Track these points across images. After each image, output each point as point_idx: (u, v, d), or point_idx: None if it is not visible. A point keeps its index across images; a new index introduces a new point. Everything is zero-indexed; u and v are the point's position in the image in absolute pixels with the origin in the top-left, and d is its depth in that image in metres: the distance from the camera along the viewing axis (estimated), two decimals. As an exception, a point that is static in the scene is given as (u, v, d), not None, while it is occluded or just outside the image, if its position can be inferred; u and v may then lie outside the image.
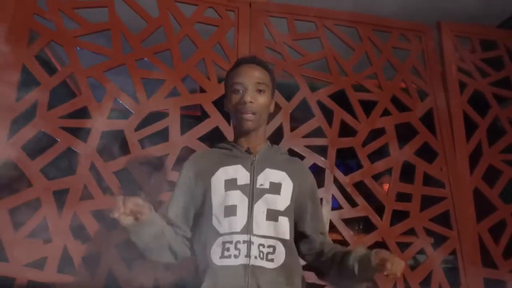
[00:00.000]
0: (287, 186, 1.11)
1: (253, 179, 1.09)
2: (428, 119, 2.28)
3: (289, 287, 1.03)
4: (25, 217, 1.70)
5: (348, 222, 1.99)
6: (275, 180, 1.10)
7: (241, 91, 1.13)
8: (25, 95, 1.83)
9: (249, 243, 1.00)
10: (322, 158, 2.04)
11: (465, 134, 2.26)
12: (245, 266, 0.99)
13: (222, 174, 1.10)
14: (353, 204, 2.00)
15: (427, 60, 2.39)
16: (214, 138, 1.95)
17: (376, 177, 2.09)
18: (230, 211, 1.04)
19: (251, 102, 1.10)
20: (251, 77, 1.13)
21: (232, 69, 1.21)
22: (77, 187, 1.75)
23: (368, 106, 2.23)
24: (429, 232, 2.05)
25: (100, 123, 1.86)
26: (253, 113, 1.12)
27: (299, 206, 1.16)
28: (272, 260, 1.02)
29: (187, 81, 2.10)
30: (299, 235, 1.18)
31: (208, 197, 1.09)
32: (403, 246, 2.00)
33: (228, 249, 1.00)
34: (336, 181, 2.02)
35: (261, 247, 1.01)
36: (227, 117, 1.99)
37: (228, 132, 1.97)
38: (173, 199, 1.16)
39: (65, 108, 1.86)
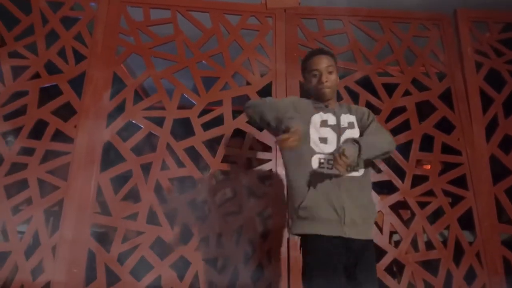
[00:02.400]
0: (355, 122, 1.63)
1: (338, 121, 1.59)
2: (447, 97, 2.58)
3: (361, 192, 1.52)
4: (122, 184, 2.28)
5: (374, 185, 2.36)
6: (350, 120, 1.62)
7: (317, 75, 1.63)
8: (116, 95, 2.44)
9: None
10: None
11: (483, 108, 2.53)
12: (337, 175, 1.47)
13: (318, 116, 1.60)
14: (377, 170, 2.38)
15: (445, 45, 2.70)
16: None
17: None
18: (323, 140, 1.55)
19: (326, 81, 1.61)
20: (322, 63, 1.63)
21: (307, 60, 1.69)
22: (157, 161, 2.31)
23: (392, 90, 2.58)
24: (447, 193, 2.37)
25: (172, 112, 2.41)
26: (329, 88, 1.62)
27: (360, 126, 1.64)
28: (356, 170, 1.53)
29: (236, 77, 2.60)
30: None
31: (307, 129, 1.56)
32: (423, 205, 2.34)
33: (322, 163, 1.51)
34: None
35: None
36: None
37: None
38: (277, 103, 1.67)
39: (146, 103, 2.44)
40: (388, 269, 2.27)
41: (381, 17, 2.72)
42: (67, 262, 2.09)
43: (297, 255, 2.17)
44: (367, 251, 1.50)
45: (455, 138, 2.47)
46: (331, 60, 1.66)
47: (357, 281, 1.45)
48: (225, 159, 2.38)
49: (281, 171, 2.31)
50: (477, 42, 2.70)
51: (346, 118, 1.62)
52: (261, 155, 2.41)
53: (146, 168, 2.31)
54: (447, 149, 2.47)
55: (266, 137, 2.40)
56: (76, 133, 2.32)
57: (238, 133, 2.49)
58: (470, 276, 2.20)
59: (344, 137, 1.56)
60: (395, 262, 2.31)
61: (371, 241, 1.57)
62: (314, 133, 1.56)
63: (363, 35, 2.70)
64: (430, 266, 2.33)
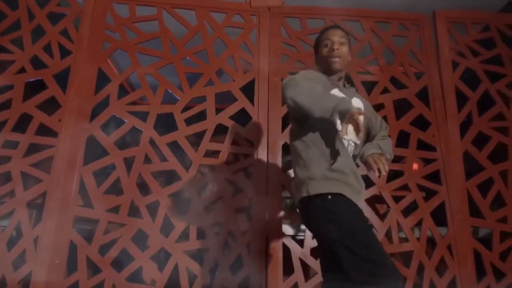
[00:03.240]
0: (363, 107, 1.57)
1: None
2: (424, 96, 2.66)
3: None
4: (104, 177, 2.33)
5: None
6: (359, 105, 1.54)
7: (329, 45, 1.62)
8: (101, 90, 2.48)
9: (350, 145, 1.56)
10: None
11: (458, 106, 2.62)
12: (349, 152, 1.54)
13: (337, 91, 1.54)
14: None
15: (423, 44, 2.78)
16: (241, 118, 2.53)
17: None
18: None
19: (337, 49, 1.59)
20: (335, 35, 1.62)
21: (321, 34, 1.69)
22: (140, 155, 2.36)
23: (371, 88, 2.65)
24: (421, 188, 2.45)
25: (155, 107, 2.46)
26: (339, 57, 1.60)
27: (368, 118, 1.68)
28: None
29: (220, 73, 2.65)
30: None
31: None
32: (398, 199, 2.42)
33: (345, 143, 1.53)
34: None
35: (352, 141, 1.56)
36: (251, 100, 2.53)
37: (252, 111, 2.50)
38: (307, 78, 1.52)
39: (130, 97, 2.49)
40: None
41: (362, 17, 2.80)
42: (49, 253, 2.13)
43: (276, 247, 2.24)
44: None
45: (431, 135, 2.55)
46: (344, 35, 1.65)
47: None
48: (208, 154, 2.44)
49: (261, 165, 2.38)
50: (454, 42, 2.79)
51: (356, 102, 1.55)
52: (243, 150, 2.46)
53: (129, 163, 2.36)
54: (423, 145, 2.55)
55: (248, 132, 2.46)
56: (61, 127, 2.36)
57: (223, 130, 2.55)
58: (441, 268, 2.28)
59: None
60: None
61: None
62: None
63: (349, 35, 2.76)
64: (408, 258, 2.42)
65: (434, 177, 2.48)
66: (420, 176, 2.46)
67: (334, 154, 1.49)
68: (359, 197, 1.50)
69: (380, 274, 1.25)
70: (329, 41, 1.61)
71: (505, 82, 2.71)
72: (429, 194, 2.45)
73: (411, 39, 2.80)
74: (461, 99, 2.65)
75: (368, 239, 1.36)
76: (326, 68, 1.64)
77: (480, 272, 2.31)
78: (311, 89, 1.43)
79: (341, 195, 1.43)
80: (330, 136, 1.51)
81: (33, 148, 2.34)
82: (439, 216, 2.43)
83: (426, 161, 2.55)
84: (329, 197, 1.43)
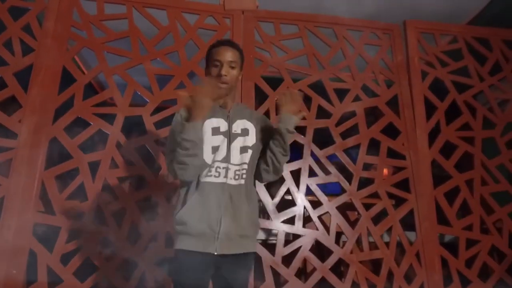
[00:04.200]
0: (252, 130, 1.53)
1: (230, 127, 1.49)
2: (394, 104, 2.70)
3: (248, 200, 1.48)
4: (67, 182, 2.22)
5: (321, 187, 2.44)
6: (244, 127, 1.52)
7: (218, 66, 1.49)
8: (65, 90, 2.36)
9: (227, 169, 1.45)
10: (302, 136, 2.49)
11: (427, 115, 2.67)
12: (223, 184, 1.44)
13: (209, 123, 1.47)
14: (326, 172, 2.45)
15: (394, 53, 2.82)
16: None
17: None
18: (215, 149, 1.44)
19: (225, 75, 1.48)
20: (226, 56, 1.50)
21: (213, 47, 1.55)
22: (106, 159, 2.26)
23: (343, 94, 2.67)
24: (391, 196, 2.48)
25: (123, 110, 2.37)
26: (226, 83, 1.49)
27: (262, 136, 1.55)
28: (243, 179, 1.47)
29: (192, 76, 2.59)
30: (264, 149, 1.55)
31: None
32: (368, 206, 2.43)
33: (210, 171, 1.44)
34: (313, 154, 2.47)
35: (236, 172, 1.46)
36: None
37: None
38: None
39: (96, 99, 2.38)
40: (336, 269, 2.35)
41: (335, 24, 2.81)
42: (5, 263, 2.00)
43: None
44: (236, 271, 1.43)
45: (400, 143, 2.58)
46: (237, 55, 1.53)
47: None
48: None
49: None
50: (424, 52, 2.85)
51: (241, 124, 1.52)
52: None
53: (93, 166, 2.26)
54: (393, 153, 2.58)
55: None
56: (21, 128, 2.22)
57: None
58: (410, 275, 2.32)
59: (234, 144, 1.47)
60: (343, 262, 2.39)
61: (248, 256, 1.47)
62: (207, 143, 1.44)
63: (318, 40, 2.77)
64: (377, 265, 2.44)
65: (403, 185, 2.52)
66: (389, 184, 2.49)
67: (182, 200, 1.46)
68: (212, 243, 1.38)
69: None
70: (219, 62, 1.50)
71: (472, 92, 2.79)
72: (399, 201, 2.48)
73: (382, 48, 2.84)
74: (429, 108, 2.70)
75: None
76: None
77: (447, 279, 2.35)
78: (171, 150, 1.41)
79: (181, 250, 1.41)
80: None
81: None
82: (408, 221, 2.47)
83: (396, 169, 2.58)
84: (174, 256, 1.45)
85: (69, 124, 2.32)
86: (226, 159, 1.46)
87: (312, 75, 2.66)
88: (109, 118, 2.35)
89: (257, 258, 2.23)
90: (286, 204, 2.37)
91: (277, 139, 1.47)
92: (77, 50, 2.49)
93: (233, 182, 1.45)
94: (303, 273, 2.55)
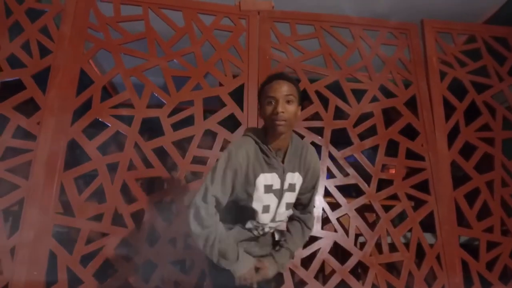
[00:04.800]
0: (299, 183, 1.47)
1: (282, 184, 1.42)
2: (412, 104, 2.67)
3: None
4: (87, 184, 2.22)
5: (341, 189, 2.41)
6: (293, 181, 1.45)
7: (273, 103, 1.36)
8: (82, 92, 2.37)
9: (268, 227, 1.50)
10: (319, 137, 2.47)
11: (446, 116, 2.63)
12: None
13: (263, 179, 1.39)
14: (345, 174, 2.43)
15: (411, 53, 2.79)
16: (230, 124, 2.46)
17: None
18: (266, 209, 1.42)
19: (282, 112, 1.34)
20: (281, 91, 1.35)
21: (265, 84, 1.41)
22: (125, 161, 2.26)
23: (360, 96, 2.64)
24: (410, 197, 2.45)
25: (141, 111, 2.37)
26: (284, 120, 1.35)
27: (303, 189, 1.52)
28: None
29: (208, 77, 2.58)
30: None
31: (251, 191, 1.39)
32: (388, 208, 2.41)
33: (255, 228, 1.49)
34: (331, 155, 2.45)
35: (274, 226, 1.51)
36: (240, 105, 2.47)
37: (241, 117, 2.44)
38: (223, 179, 1.36)
39: (115, 100, 2.38)
40: (353, 271, 2.33)
41: (351, 24, 2.78)
42: (26, 264, 2.01)
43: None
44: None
45: (419, 144, 2.55)
46: (292, 88, 1.38)
47: None
48: (194, 160, 2.36)
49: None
50: (442, 52, 2.81)
51: (290, 178, 1.45)
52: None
53: (113, 168, 2.26)
54: (411, 154, 2.55)
55: (236, 137, 2.40)
56: (39, 130, 2.23)
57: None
58: (430, 277, 2.28)
59: (283, 201, 1.45)
60: (360, 264, 2.37)
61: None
62: (257, 201, 1.41)
63: (334, 40, 2.75)
64: (395, 268, 2.41)
65: (422, 186, 2.49)
66: (408, 186, 2.46)
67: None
68: None
69: None
70: (273, 99, 1.35)
71: (491, 93, 2.75)
72: (418, 203, 2.45)
73: (399, 47, 2.81)
74: (448, 109, 2.66)
75: None
76: (269, 128, 1.41)
77: (467, 282, 2.32)
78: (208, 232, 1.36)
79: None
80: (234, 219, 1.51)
81: (9, 152, 2.20)
82: (425, 223, 2.44)
83: (414, 170, 2.55)
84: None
85: (88, 126, 2.32)
86: (272, 219, 1.48)
87: (328, 76, 2.64)
88: (126, 120, 2.35)
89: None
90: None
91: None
92: (94, 52, 2.49)
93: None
94: (321, 275, 2.53)
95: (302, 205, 1.58)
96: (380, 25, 2.83)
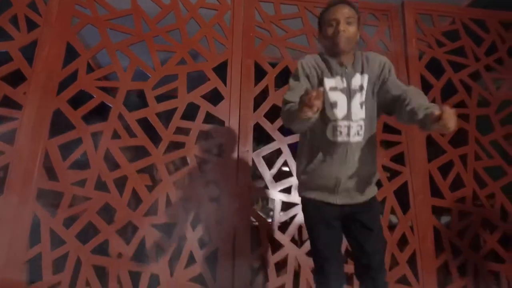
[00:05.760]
0: (366, 81, 1.52)
1: (348, 83, 1.51)
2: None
3: (366, 155, 1.53)
4: (71, 151, 2.29)
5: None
6: (360, 82, 1.51)
7: (334, 25, 1.48)
8: (69, 64, 2.44)
9: (349, 127, 1.49)
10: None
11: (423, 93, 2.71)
12: (346, 143, 1.49)
13: (327, 82, 1.51)
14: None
15: (392, 34, 2.87)
16: (213, 97, 2.54)
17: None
18: (335, 105, 1.49)
19: (343, 31, 1.47)
20: (342, 13, 1.48)
21: (326, 10, 1.54)
22: (109, 131, 2.33)
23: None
24: (386, 168, 2.53)
25: (126, 84, 2.44)
26: (345, 38, 1.48)
27: (380, 86, 1.54)
28: (360, 135, 1.50)
29: (193, 53, 2.65)
30: (392, 101, 1.52)
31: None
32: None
33: (335, 130, 1.49)
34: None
35: (355, 124, 1.49)
36: (223, 80, 2.55)
37: (224, 91, 2.52)
38: (296, 86, 1.52)
39: (100, 73, 2.45)
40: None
41: (334, 4, 2.85)
42: (11, 225, 2.07)
43: (244, 222, 2.26)
44: (365, 212, 1.56)
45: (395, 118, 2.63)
46: (352, 11, 1.50)
47: (359, 242, 1.55)
48: (178, 131, 2.43)
49: (232, 144, 2.40)
50: (421, 32, 2.89)
51: (357, 80, 1.52)
52: (214, 128, 2.47)
53: (96, 137, 2.33)
54: (389, 128, 2.62)
55: (219, 111, 2.48)
56: (26, 100, 2.30)
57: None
58: (402, 243, 2.37)
59: (354, 102, 1.50)
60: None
61: (371, 199, 1.59)
62: (326, 101, 1.50)
63: (317, 20, 2.81)
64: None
65: (398, 158, 2.57)
66: (385, 157, 2.54)
67: (311, 155, 1.57)
68: (333, 196, 1.54)
69: (318, 274, 1.58)
70: (335, 21, 1.48)
71: (467, 72, 2.83)
72: (393, 174, 2.54)
73: (380, 28, 2.89)
74: (426, 87, 2.74)
75: (314, 243, 1.60)
76: (330, 49, 1.54)
77: (439, 249, 2.41)
78: (285, 113, 1.50)
79: (306, 198, 1.62)
80: (314, 136, 1.56)
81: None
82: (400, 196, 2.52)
83: (391, 143, 2.63)
84: (301, 199, 1.67)
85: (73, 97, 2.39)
86: (348, 116, 1.50)
87: (310, 54, 2.70)
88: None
89: (254, 226, 2.30)
90: (283, 175, 2.43)
91: (420, 124, 1.37)
92: (81, 27, 2.55)
93: (354, 139, 1.50)
94: (299, 239, 2.61)
95: (399, 97, 1.49)
96: (362, 7, 2.91)
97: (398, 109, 1.50)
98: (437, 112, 1.25)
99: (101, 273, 2.16)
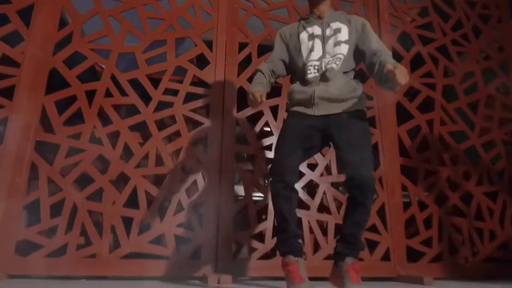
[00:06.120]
0: (345, 29, 1.83)
1: (323, 31, 1.83)
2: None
3: (343, 75, 1.79)
4: (65, 108, 2.44)
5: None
6: (337, 27, 1.83)
7: None
8: (64, 27, 2.58)
9: (321, 63, 1.79)
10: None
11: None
12: (321, 75, 1.78)
13: (305, 33, 1.87)
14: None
15: (366, 9, 3.09)
16: (199, 61, 2.72)
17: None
18: (312, 48, 1.82)
19: None
20: None
21: None
22: (102, 89, 2.49)
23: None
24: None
25: (117, 47, 2.59)
26: None
27: (357, 38, 1.83)
28: (337, 64, 1.78)
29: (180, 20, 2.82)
30: (361, 54, 1.82)
31: (298, 46, 1.87)
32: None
33: (309, 69, 1.80)
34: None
35: (330, 60, 1.78)
36: (209, 47, 2.72)
37: (210, 56, 2.70)
38: (274, 53, 1.97)
39: (93, 36, 2.60)
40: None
41: (313, -20, 3.05)
42: (10, 172, 2.22)
43: (228, 174, 2.46)
44: (345, 126, 1.72)
45: (369, 87, 2.86)
46: None
47: (341, 150, 1.69)
48: (166, 92, 2.60)
49: (218, 105, 2.59)
50: (393, 9, 3.12)
51: (334, 26, 1.83)
52: (201, 90, 2.65)
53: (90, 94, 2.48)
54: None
55: (205, 74, 2.66)
56: (23, 58, 2.44)
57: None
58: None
59: (329, 43, 1.81)
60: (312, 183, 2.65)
61: (353, 113, 1.75)
62: (304, 47, 1.85)
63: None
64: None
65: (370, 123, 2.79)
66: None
67: (296, 83, 1.90)
68: (311, 108, 1.77)
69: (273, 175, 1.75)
70: None
71: (435, 45, 3.08)
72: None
73: (356, 5, 3.10)
74: (397, 59, 2.97)
75: (280, 148, 1.82)
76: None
77: (407, 204, 2.66)
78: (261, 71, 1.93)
79: (290, 111, 1.89)
80: (297, 77, 1.92)
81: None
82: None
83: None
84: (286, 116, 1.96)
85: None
86: (322, 57, 1.80)
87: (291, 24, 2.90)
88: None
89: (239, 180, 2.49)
90: (265, 134, 2.64)
91: (378, 76, 1.69)
92: (75, -7, 2.70)
93: (328, 66, 1.78)
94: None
95: (370, 50, 1.77)
96: (340, -18, 3.12)
97: (367, 61, 1.79)
98: (390, 66, 1.53)
99: (95, 220, 2.33)
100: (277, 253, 2.33)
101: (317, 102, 1.76)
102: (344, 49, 1.81)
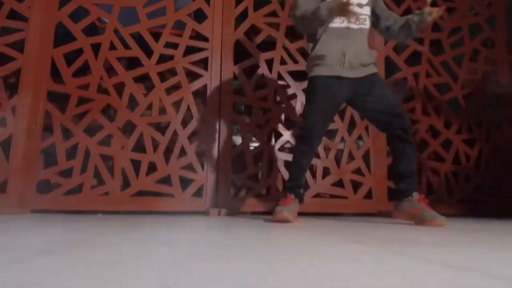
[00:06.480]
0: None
1: None
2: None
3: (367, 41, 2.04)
4: (73, 61, 2.60)
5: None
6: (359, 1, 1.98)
7: None
8: None
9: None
10: (275, 30, 2.88)
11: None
12: (347, 28, 1.96)
13: None
14: (295, 61, 2.87)
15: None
16: (198, 15, 2.85)
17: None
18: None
19: None
20: None
21: None
22: (106, 42, 2.64)
23: None
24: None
25: (120, 1, 2.71)
26: None
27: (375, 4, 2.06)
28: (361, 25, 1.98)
29: None
30: (378, 19, 2.08)
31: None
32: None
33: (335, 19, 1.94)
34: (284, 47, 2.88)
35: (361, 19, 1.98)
36: (207, 1, 2.84)
37: (208, 10, 2.82)
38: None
39: (96, -9, 2.72)
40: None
41: None
42: (26, 120, 2.42)
43: (226, 119, 2.67)
44: (372, 85, 1.97)
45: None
46: None
47: (367, 108, 1.99)
48: (167, 45, 2.75)
49: (216, 58, 2.75)
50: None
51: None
52: (200, 44, 2.80)
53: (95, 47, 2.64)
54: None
55: (203, 28, 2.80)
56: (31, 13, 2.57)
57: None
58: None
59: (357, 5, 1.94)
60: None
61: (373, 75, 2.00)
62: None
63: None
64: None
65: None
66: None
67: (316, 43, 2.01)
68: (346, 70, 1.95)
69: (301, 142, 2.02)
70: None
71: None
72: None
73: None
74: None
75: (309, 114, 2.00)
76: None
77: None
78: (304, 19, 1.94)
79: (316, 76, 2.00)
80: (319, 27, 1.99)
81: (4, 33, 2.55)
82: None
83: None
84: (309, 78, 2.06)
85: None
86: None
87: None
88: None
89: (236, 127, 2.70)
90: (261, 85, 2.82)
91: (405, 28, 1.97)
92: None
93: (355, 26, 1.96)
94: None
95: (389, 17, 2.06)
96: None
97: (385, 24, 2.06)
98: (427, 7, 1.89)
99: (106, 166, 2.57)
100: (270, 192, 2.60)
101: (346, 67, 1.95)
102: (365, 10, 2.00)
